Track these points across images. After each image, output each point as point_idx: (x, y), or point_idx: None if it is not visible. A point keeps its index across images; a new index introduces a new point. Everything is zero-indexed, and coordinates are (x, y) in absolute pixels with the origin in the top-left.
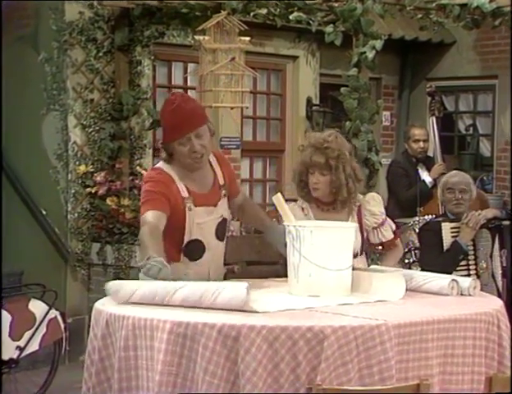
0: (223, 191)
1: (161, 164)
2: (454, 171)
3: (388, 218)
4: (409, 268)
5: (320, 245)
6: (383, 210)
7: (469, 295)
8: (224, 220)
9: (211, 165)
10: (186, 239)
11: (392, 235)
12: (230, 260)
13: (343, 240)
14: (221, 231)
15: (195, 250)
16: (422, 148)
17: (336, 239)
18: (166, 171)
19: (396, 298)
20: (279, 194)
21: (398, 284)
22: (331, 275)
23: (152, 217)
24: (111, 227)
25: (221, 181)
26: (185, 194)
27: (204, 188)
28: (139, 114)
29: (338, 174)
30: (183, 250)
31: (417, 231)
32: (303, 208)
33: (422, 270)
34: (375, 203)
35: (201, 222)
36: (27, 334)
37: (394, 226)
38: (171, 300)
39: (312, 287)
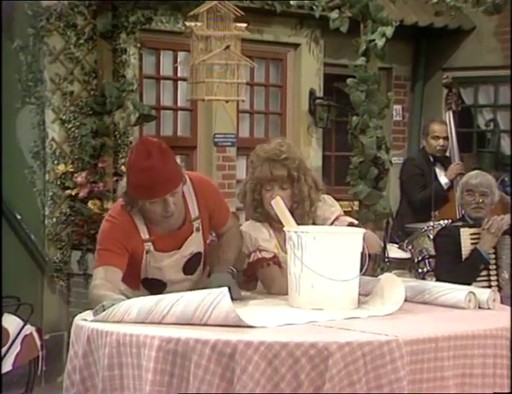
0: (195, 225)
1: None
2: (475, 172)
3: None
4: (423, 279)
5: (324, 253)
6: (336, 208)
7: (488, 308)
8: (196, 254)
9: (183, 196)
10: (143, 276)
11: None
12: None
13: (349, 247)
14: (191, 266)
15: (154, 287)
16: (442, 147)
17: (342, 246)
18: (127, 212)
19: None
20: (278, 197)
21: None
22: (336, 286)
23: (105, 276)
24: (93, 233)
25: (194, 214)
26: (145, 235)
27: (171, 227)
28: (124, 108)
29: (300, 186)
30: (141, 283)
31: (431, 237)
32: (263, 226)
33: (437, 281)
34: (325, 207)
35: (159, 266)
36: None
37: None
38: (164, 319)
39: (315, 300)
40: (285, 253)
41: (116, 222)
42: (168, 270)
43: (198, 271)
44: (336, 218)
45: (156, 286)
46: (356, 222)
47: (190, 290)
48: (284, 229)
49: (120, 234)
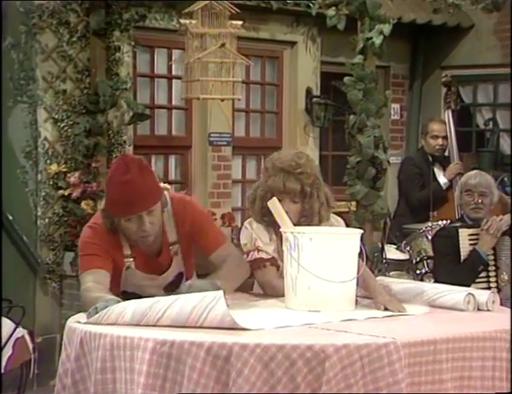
0: (173, 249)
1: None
2: (474, 172)
3: None
4: (421, 280)
5: (321, 254)
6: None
7: (487, 310)
8: (178, 275)
9: (162, 219)
10: (122, 288)
11: None
12: (204, 273)
13: (346, 247)
14: (173, 285)
15: (133, 299)
16: (441, 146)
17: (339, 247)
18: (109, 228)
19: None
20: (275, 198)
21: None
22: (333, 287)
23: (94, 278)
24: None
25: (172, 238)
26: (127, 251)
27: (149, 251)
28: (117, 107)
29: (312, 202)
30: (121, 293)
31: (430, 238)
32: (267, 230)
33: (436, 282)
34: (339, 225)
35: (138, 284)
36: None
37: None
38: (159, 322)
39: (311, 301)
40: (282, 261)
41: (99, 229)
42: (148, 288)
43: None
44: None
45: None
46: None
47: None
48: (280, 229)
49: (102, 240)
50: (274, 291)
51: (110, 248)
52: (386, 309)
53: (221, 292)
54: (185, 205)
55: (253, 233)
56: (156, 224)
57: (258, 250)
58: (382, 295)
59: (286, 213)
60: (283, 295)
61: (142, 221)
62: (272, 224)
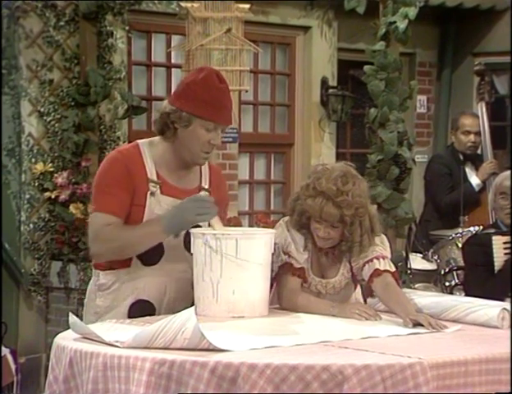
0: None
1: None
2: (510, 172)
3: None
4: (451, 293)
5: (245, 256)
6: (379, 248)
7: None
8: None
9: (200, 170)
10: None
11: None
12: None
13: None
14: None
15: (150, 250)
16: (473, 143)
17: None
18: (139, 146)
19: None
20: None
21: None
22: (256, 292)
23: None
24: (75, 242)
25: (205, 184)
26: (152, 176)
27: (181, 184)
28: (110, 99)
29: (353, 230)
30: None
31: (460, 246)
32: (304, 237)
33: (467, 295)
34: (377, 241)
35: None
36: None
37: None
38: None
39: (236, 307)
40: (313, 273)
41: (119, 157)
42: None
43: None
44: (370, 260)
45: (152, 250)
46: (395, 271)
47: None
48: (193, 230)
49: (121, 170)
50: (290, 305)
51: (131, 175)
52: (415, 326)
53: (192, 312)
54: (221, 177)
55: (288, 235)
56: (213, 150)
57: (290, 256)
58: (410, 308)
59: (324, 237)
60: (297, 311)
61: (217, 135)
62: (305, 235)
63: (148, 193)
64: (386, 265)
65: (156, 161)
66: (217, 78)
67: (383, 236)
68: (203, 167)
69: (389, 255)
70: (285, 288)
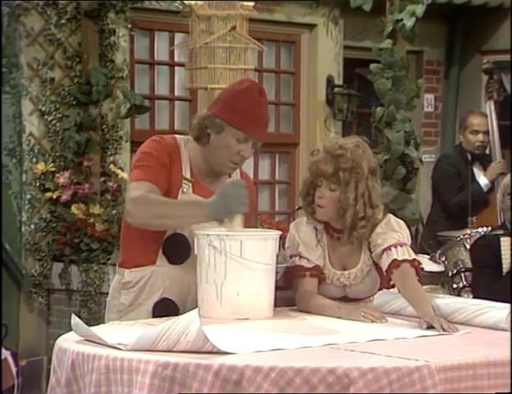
0: None
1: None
2: None
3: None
4: (458, 295)
5: (251, 258)
6: (396, 235)
7: None
8: None
9: (230, 177)
10: (169, 231)
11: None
12: None
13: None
14: None
15: (177, 249)
16: (482, 143)
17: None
18: (177, 140)
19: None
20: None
21: None
22: (261, 293)
23: (148, 190)
24: (76, 243)
25: None
26: (186, 173)
27: (212, 187)
28: (112, 98)
29: (347, 191)
30: (162, 246)
31: (468, 247)
32: (316, 229)
33: (475, 297)
34: (395, 227)
35: None
36: None
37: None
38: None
39: (240, 309)
40: (332, 267)
41: (162, 143)
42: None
43: None
44: (388, 248)
45: (179, 248)
46: (414, 258)
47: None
48: (196, 232)
49: (164, 155)
50: (306, 307)
51: (171, 162)
52: (428, 328)
53: (196, 315)
54: (252, 186)
55: (296, 237)
56: (242, 163)
57: (301, 257)
58: (426, 309)
59: (320, 199)
60: (315, 313)
61: (247, 147)
62: (321, 226)
63: (181, 190)
64: (405, 254)
65: (190, 160)
66: (258, 91)
67: (401, 222)
68: (234, 173)
69: (408, 242)
70: (298, 292)
